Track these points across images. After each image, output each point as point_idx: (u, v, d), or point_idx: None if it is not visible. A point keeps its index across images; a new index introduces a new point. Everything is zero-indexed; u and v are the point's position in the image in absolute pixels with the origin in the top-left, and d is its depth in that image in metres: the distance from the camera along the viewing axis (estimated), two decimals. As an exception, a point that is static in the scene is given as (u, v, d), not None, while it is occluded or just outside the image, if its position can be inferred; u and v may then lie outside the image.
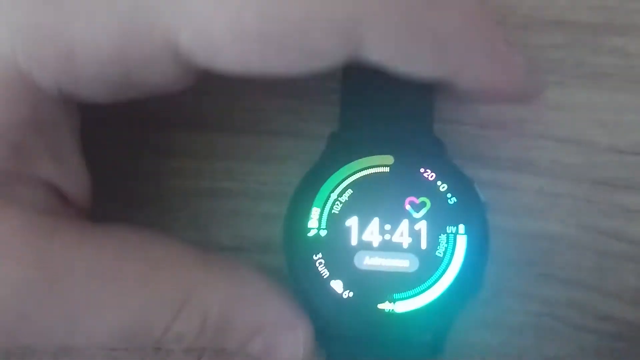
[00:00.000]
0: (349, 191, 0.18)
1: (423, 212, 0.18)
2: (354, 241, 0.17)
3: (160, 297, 0.15)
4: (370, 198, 0.17)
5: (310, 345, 0.17)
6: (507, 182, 0.21)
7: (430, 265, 0.17)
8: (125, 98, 0.16)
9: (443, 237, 0.17)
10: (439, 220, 0.17)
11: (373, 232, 0.17)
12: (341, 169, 0.18)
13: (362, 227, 0.17)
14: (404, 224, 0.17)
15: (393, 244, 0.17)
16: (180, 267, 0.16)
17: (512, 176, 0.21)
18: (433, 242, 0.17)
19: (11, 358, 0.16)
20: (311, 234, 0.17)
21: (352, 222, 0.17)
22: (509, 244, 0.21)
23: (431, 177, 0.18)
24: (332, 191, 0.18)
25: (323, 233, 0.17)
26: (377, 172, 0.18)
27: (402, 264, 0.17)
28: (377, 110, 0.19)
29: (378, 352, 0.17)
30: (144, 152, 0.21)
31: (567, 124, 0.21)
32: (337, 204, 0.17)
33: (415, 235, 0.17)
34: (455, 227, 0.17)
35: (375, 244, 0.17)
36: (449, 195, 0.18)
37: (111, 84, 0.15)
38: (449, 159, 0.19)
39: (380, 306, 0.17)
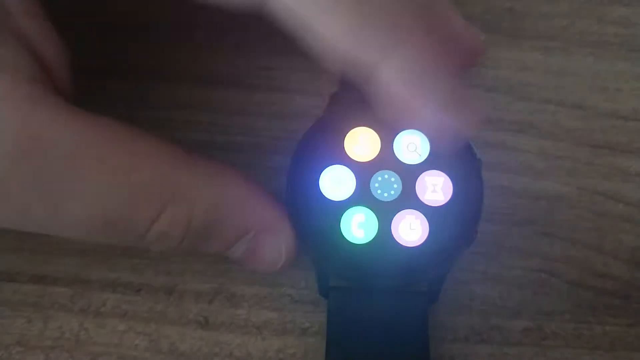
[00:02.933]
0: None
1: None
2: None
3: (144, 192, 0.15)
4: None
5: (292, 249, 0.17)
6: (510, 143, 0.22)
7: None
8: None
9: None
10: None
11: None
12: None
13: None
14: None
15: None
16: (167, 166, 0.15)
17: (514, 137, 0.22)
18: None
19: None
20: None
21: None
22: (510, 202, 0.21)
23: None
24: None
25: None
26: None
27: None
28: None
29: (375, 300, 0.18)
30: (160, 103, 0.22)
31: (570, 89, 0.22)
32: None
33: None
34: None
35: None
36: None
37: None
38: None
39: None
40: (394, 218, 0.16)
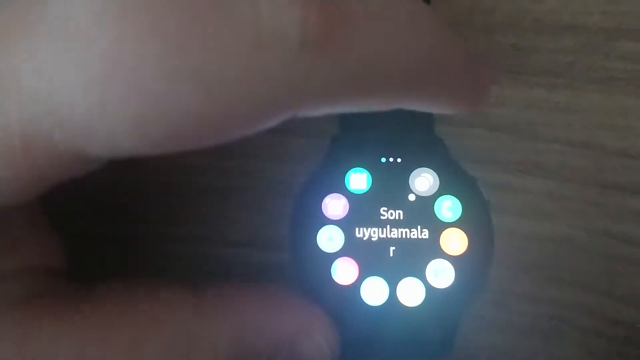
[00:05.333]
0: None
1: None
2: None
3: (162, 353, 0.15)
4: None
5: (334, 339, 0.17)
6: (516, 184, 0.21)
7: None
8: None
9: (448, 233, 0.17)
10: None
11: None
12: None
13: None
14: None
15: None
16: (174, 320, 0.15)
17: (521, 179, 0.21)
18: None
19: None
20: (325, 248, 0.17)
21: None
22: (518, 246, 0.21)
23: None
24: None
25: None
26: None
27: None
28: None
29: (389, 350, 0.17)
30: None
31: (577, 127, 0.21)
32: None
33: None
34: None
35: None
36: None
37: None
38: (451, 156, 0.19)
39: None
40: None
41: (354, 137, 0.19)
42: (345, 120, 0.19)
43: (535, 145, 0.21)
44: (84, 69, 0.11)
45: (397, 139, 0.18)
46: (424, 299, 0.17)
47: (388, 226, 0.18)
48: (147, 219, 0.21)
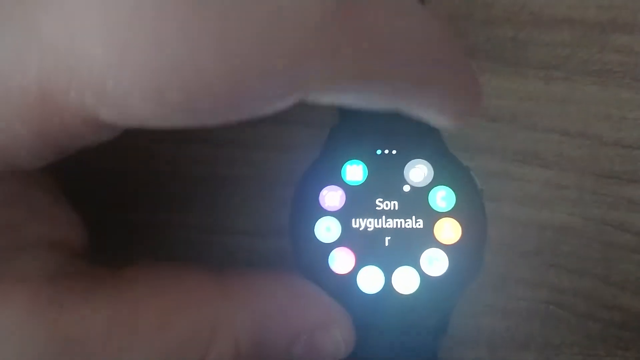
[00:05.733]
0: None
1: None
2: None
3: (185, 338, 0.15)
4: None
5: (350, 338, 0.17)
6: (515, 173, 0.22)
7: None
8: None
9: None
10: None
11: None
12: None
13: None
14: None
15: None
16: (201, 303, 0.16)
17: (519, 168, 0.22)
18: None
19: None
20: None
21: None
22: (516, 233, 0.21)
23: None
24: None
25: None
26: None
27: None
28: None
29: (383, 337, 0.18)
30: (163, 139, 0.22)
31: (574, 118, 0.22)
32: None
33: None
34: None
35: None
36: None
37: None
38: (446, 148, 0.19)
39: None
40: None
41: (351, 130, 0.19)
42: (344, 110, 0.20)
43: (533, 135, 0.22)
44: (106, 27, 0.11)
45: (393, 131, 0.19)
46: (419, 287, 0.17)
47: (383, 216, 0.18)
48: (152, 207, 0.22)
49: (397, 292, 0.17)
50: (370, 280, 0.18)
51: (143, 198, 0.22)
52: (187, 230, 0.22)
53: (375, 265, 0.18)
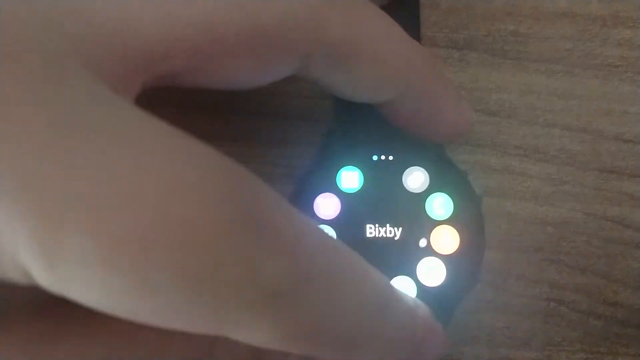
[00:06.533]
0: None
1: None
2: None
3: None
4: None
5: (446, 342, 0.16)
6: (516, 168, 0.21)
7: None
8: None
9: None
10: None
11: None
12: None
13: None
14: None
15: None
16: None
17: (521, 163, 0.21)
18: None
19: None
20: None
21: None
22: (517, 229, 0.21)
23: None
24: None
25: None
26: None
27: None
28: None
29: None
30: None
31: (575, 112, 0.22)
32: None
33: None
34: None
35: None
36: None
37: None
38: (444, 153, 0.19)
39: None
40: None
41: (347, 134, 0.19)
42: (340, 113, 0.19)
43: (534, 130, 0.22)
44: None
45: (390, 136, 0.18)
46: (415, 297, 0.17)
47: (379, 225, 0.18)
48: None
49: None
50: None
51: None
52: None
53: None
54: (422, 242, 0.18)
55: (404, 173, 0.18)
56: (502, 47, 0.22)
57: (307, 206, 0.18)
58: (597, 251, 0.21)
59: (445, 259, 0.17)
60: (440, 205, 0.18)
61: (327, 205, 0.18)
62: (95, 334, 0.14)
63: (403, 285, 0.17)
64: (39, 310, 0.14)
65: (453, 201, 0.18)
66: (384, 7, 0.17)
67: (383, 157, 0.18)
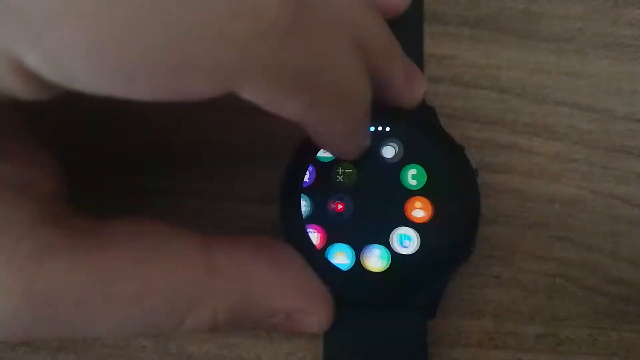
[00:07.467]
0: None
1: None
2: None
3: (163, 309, 0.15)
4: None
5: (328, 321, 0.17)
6: (524, 146, 0.21)
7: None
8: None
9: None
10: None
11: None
12: None
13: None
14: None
15: None
16: (184, 274, 0.15)
17: (529, 140, 0.22)
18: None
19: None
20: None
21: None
22: (524, 205, 0.21)
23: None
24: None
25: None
26: None
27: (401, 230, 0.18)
28: None
29: (370, 316, 0.18)
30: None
31: (585, 91, 0.22)
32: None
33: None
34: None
35: None
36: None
37: None
38: (440, 126, 0.19)
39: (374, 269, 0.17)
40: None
41: None
42: None
43: (544, 108, 0.22)
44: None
45: (387, 108, 0.18)
46: (390, 265, 0.17)
47: (354, 194, 0.18)
48: (157, 173, 0.21)
49: (366, 269, 0.17)
50: (340, 258, 0.17)
51: (148, 164, 0.22)
52: (191, 197, 0.21)
53: (345, 243, 0.17)
54: (396, 212, 0.18)
55: (380, 143, 0.18)
56: (513, 25, 0.22)
57: (296, 175, 0.18)
58: (604, 229, 0.21)
59: (419, 227, 0.17)
60: (413, 175, 0.18)
61: (306, 175, 0.18)
62: (77, 259, 0.14)
63: (376, 253, 0.17)
64: (27, 226, 0.14)
65: (426, 172, 0.18)
66: (388, 22, 0.17)
67: None
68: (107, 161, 0.21)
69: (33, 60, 0.11)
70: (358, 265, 0.17)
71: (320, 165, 0.18)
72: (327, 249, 0.17)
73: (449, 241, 0.17)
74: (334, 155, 0.18)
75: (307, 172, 0.18)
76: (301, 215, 0.18)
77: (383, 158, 0.18)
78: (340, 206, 0.18)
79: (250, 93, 0.13)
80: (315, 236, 0.18)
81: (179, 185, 0.21)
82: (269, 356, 0.19)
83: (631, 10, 0.22)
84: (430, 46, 0.22)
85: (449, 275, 0.18)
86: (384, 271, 0.17)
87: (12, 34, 0.11)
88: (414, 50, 0.19)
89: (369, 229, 0.18)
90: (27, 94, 0.12)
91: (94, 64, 0.11)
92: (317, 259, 0.17)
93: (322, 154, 0.18)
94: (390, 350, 0.18)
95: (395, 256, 0.17)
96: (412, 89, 0.18)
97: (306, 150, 0.18)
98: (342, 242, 0.18)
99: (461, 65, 0.22)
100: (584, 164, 0.21)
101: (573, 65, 0.22)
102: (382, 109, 0.17)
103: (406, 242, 0.17)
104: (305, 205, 0.18)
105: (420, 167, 0.18)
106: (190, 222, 0.21)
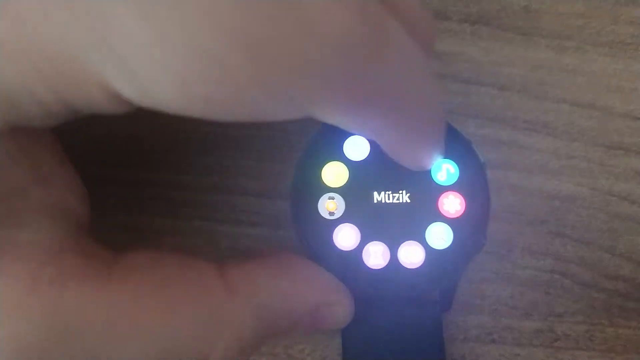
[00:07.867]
0: None
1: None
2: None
3: (190, 334, 0.15)
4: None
5: (350, 311, 0.17)
6: (524, 142, 0.22)
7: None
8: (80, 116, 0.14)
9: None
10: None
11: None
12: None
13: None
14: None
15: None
16: (205, 297, 0.15)
17: (529, 137, 0.22)
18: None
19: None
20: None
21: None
22: (523, 201, 0.21)
23: None
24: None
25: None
26: None
27: None
28: None
29: (388, 311, 0.18)
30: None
31: (585, 88, 0.22)
32: None
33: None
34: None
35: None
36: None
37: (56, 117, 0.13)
38: (449, 122, 0.19)
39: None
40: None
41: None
42: None
43: (544, 105, 0.22)
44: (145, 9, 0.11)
45: None
46: (424, 261, 0.17)
47: (387, 192, 0.18)
48: (161, 166, 0.22)
49: (402, 266, 0.17)
50: (375, 256, 0.17)
51: (152, 157, 0.22)
52: (196, 190, 0.21)
53: (381, 241, 0.18)
54: (430, 208, 0.18)
55: None
56: (514, 22, 0.22)
57: (314, 175, 0.18)
58: (602, 226, 0.21)
59: (452, 222, 0.18)
60: (446, 171, 0.18)
61: (334, 174, 0.18)
62: (101, 286, 0.14)
63: (412, 249, 0.17)
64: (51, 253, 0.14)
65: (458, 167, 0.18)
66: None
67: None
68: (104, 154, 0.21)
69: (127, 92, 0.12)
70: (394, 262, 0.17)
71: (352, 165, 0.18)
72: (363, 247, 0.18)
73: (477, 235, 0.18)
74: (410, 168, 0.17)
75: (340, 173, 0.18)
76: (321, 216, 0.18)
77: None
78: (374, 204, 0.18)
79: (330, 117, 0.13)
80: (350, 234, 0.18)
81: (181, 177, 0.21)
82: (267, 349, 0.19)
83: (631, 8, 0.22)
84: (431, 42, 0.22)
85: (466, 267, 0.18)
86: (419, 267, 0.17)
87: (112, 71, 0.11)
88: None
89: (403, 226, 0.18)
90: (111, 111, 0.13)
91: (182, 94, 0.12)
92: (351, 258, 0.17)
93: (351, 152, 0.18)
94: (408, 344, 0.18)
95: (429, 251, 0.17)
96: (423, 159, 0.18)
97: (329, 148, 0.18)
98: (378, 240, 0.18)
99: (462, 61, 0.22)
100: (583, 161, 0.21)
101: (573, 63, 0.22)
102: None
103: (441, 237, 0.17)
104: (339, 205, 0.18)
105: (452, 162, 0.18)
106: (190, 215, 0.21)
